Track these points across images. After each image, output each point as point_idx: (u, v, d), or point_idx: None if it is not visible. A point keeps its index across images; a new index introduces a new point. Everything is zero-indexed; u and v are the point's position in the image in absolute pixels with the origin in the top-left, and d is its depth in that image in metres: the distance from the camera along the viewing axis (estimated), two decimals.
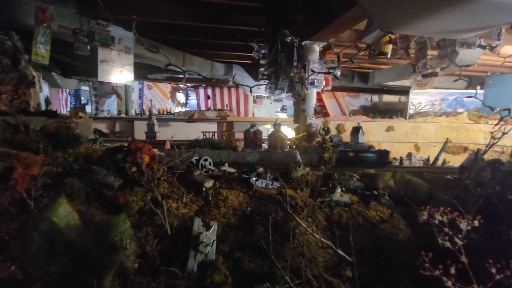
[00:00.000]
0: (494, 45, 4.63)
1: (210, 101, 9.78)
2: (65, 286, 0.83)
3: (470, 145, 7.91)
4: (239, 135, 7.92)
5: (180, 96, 10.92)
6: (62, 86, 9.10)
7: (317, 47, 4.33)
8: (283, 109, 15.22)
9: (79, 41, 4.39)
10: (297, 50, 4.06)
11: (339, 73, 4.41)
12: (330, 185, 1.74)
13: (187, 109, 10.13)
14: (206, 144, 2.48)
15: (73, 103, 11.04)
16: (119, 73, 5.20)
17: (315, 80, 4.21)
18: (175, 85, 10.90)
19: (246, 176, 1.80)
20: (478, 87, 9.16)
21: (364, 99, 12.74)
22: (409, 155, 6.33)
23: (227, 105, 9.44)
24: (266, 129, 9.01)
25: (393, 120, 8.31)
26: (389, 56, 3.43)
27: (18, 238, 1.03)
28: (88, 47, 4.50)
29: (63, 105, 9.96)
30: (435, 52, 4.69)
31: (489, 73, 8.33)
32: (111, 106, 10.58)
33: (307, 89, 4.18)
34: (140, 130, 5.89)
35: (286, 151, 2.51)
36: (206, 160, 1.96)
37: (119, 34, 4.93)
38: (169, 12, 4.28)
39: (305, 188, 1.69)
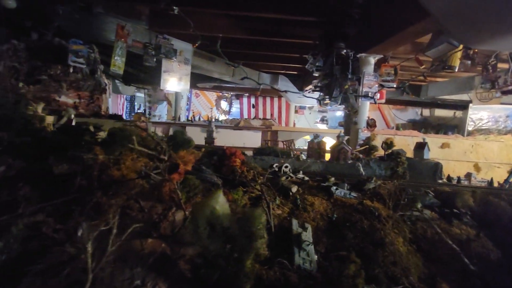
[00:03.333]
0: None
1: (253, 110, 10.06)
2: (213, 262, 1.00)
3: None
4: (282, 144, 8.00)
5: (224, 104, 11.39)
6: (122, 93, 10.11)
7: (373, 60, 4.27)
8: (323, 120, 14.99)
9: (148, 54, 4.90)
10: (352, 63, 4.06)
11: (395, 85, 4.29)
12: (405, 199, 1.72)
13: (231, 117, 10.52)
14: (271, 152, 2.59)
15: (128, 108, 12.14)
16: (178, 82, 5.66)
17: (370, 93, 4.15)
18: (220, 93, 11.41)
19: (325, 184, 1.86)
20: None
21: (413, 113, 12.01)
22: (469, 175, 5.81)
23: (272, 114, 9.63)
24: (304, 140, 8.97)
25: (449, 136, 7.71)
26: (456, 70, 3.27)
27: (185, 224, 1.31)
28: (155, 59, 4.99)
29: (120, 109, 11.01)
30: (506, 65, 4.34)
31: None
32: (161, 111, 11.40)
33: (360, 102, 4.14)
34: (191, 135, 6.25)
35: (349, 163, 2.52)
36: (287, 167, 2.07)
37: (180, 47, 5.40)
38: (229, 27, 4.57)
39: (388, 200, 1.69)
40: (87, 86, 5.46)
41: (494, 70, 4.19)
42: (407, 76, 7.24)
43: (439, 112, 11.18)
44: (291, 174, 2.04)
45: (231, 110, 11.27)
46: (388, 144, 2.60)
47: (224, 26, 4.56)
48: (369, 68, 4.26)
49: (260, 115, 9.94)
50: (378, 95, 4.15)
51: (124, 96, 11.27)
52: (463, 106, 9.48)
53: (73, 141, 1.76)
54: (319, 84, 4.16)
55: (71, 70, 4.92)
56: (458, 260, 1.35)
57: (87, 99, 5.53)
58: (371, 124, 4.56)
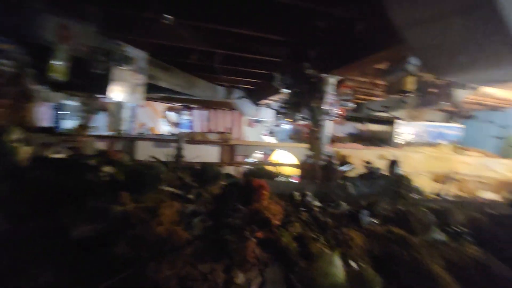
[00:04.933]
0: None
1: (207, 123, 9.74)
2: None
3: (453, 175, 8.47)
4: (239, 158, 7.87)
5: (174, 116, 10.76)
6: (48, 100, 8.65)
7: (333, 80, 4.57)
8: (270, 132, 15.43)
9: (96, 60, 4.29)
10: (315, 82, 4.28)
11: (352, 104, 4.66)
12: (411, 221, 1.79)
13: (182, 130, 9.97)
14: (264, 175, 2.44)
15: (55, 118, 10.46)
16: (130, 92, 5.09)
17: (331, 111, 4.42)
18: (169, 104, 10.77)
19: (348, 212, 1.80)
20: (458, 121, 10.01)
21: (351, 127, 13.34)
22: None
23: (229, 128, 9.45)
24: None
25: (385, 148, 8.76)
26: (409, 94, 3.72)
27: None
28: (105, 66, 4.40)
29: (45, 119, 9.39)
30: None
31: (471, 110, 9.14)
32: (100, 123, 10.14)
33: (324, 119, 4.36)
34: (143, 150, 5.67)
35: (339, 183, 2.56)
36: (309, 195, 1.93)
37: (135, 55, 4.90)
38: (193, 38, 4.35)
39: (417, 227, 1.72)
40: (9, 93, 4.47)
41: (427, 95, 4.94)
42: (362, 96, 8.02)
43: (372, 127, 12.72)
44: (316, 204, 1.95)
45: (181, 122, 10.70)
46: (368, 163, 2.76)
47: (188, 37, 4.32)
48: (330, 88, 4.55)
49: (215, 128, 9.68)
50: (340, 113, 4.44)
51: (50, 104, 9.67)
52: (390, 122, 10.98)
53: (74, 183, 1.27)
54: (288, 102, 4.24)
55: None
56: (496, 284, 1.45)
57: (10, 108, 4.52)
58: (333, 140, 4.84)
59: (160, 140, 6.50)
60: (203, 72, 6.73)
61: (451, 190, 6.47)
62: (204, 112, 9.87)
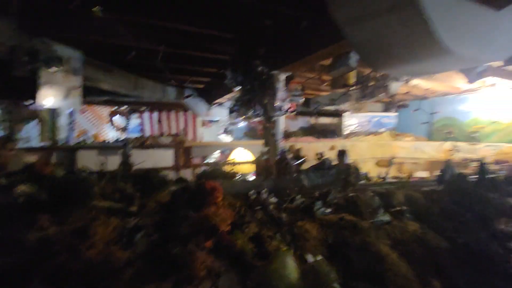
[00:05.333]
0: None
1: (158, 126, 9.21)
2: None
3: (394, 159, 9.44)
4: (196, 161, 7.64)
5: (120, 120, 9.95)
6: None
7: (283, 77, 4.69)
8: (226, 131, 15.30)
9: (18, 61, 3.71)
10: (266, 79, 4.33)
11: (302, 100, 4.84)
12: (360, 206, 1.91)
13: (131, 135, 9.27)
14: (218, 175, 2.35)
15: None
16: (64, 97, 4.54)
17: (283, 106, 4.53)
18: (114, 108, 9.94)
19: (302, 205, 1.81)
20: (393, 110, 11.14)
21: (303, 121, 13.95)
22: None
23: (182, 129, 9.05)
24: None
25: (335, 140, 9.36)
26: (352, 88, 3.99)
27: None
28: (29, 67, 3.83)
29: None
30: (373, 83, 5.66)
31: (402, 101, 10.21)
32: (30, 133, 8.94)
33: (277, 115, 4.45)
34: (86, 161, 5.14)
35: (294, 177, 2.61)
36: (265, 192, 1.89)
37: (67, 54, 4.38)
38: (135, 35, 4.04)
39: (365, 212, 1.81)
40: None
41: (367, 88, 5.37)
42: (310, 91, 8.34)
43: (323, 120, 13.52)
44: (272, 200, 1.93)
45: (129, 126, 9.96)
46: (320, 154, 2.89)
47: (129, 33, 4.00)
48: (281, 84, 4.66)
49: (167, 131, 9.21)
50: (291, 108, 4.57)
51: None
52: (339, 114, 11.79)
53: None
54: (240, 99, 4.22)
55: None
56: (435, 255, 1.61)
57: None
58: (287, 135, 4.97)
59: (105, 148, 5.94)
60: (151, 73, 6.33)
61: (392, 173, 7.16)
62: (155, 115, 9.33)
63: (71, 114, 9.28)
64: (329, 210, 1.93)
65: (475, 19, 2.20)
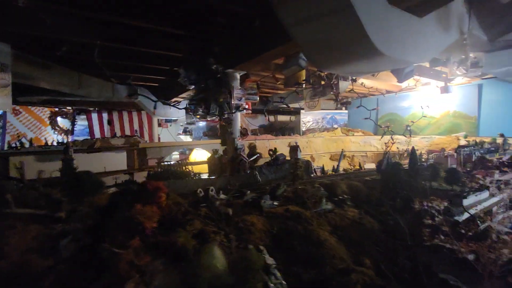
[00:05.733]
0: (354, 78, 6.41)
1: (109, 127, 8.59)
2: None
3: (346, 152, 10.13)
4: (152, 162, 7.31)
5: (64, 122, 9.07)
6: None
7: (238, 75, 4.73)
8: (185, 131, 14.89)
9: None
10: (222, 77, 4.33)
11: (257, 98, 4.94)
12: (316, 197, 2.02)
13: (76, 138, 8.50)
14: (170, 175, 2.28)
15: None
16: None
17: (240, 105, 4.58)
18: (56, 109, 9.03)
19: (251, 199, 1.84)
20: (343, 108, 11.93)
21: (262, 119, 14.20)
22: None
23: (136, 130, 8.54)
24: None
25: (292, 137, 9.71)
26: (304, 86, 4.18)
27: None
28: None
29: None
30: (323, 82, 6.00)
31: (350, 98, 10.97)
32: None
33: (233, 113, 4.47)
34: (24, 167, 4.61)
35: (248, 173, 2.65)
36: (212, 190, 1.86)
37: None
38: (78, 30, 3.73)
39: (309, 202, 1.90)
40: None
41: (318, 87, 5.68)
42: (267, 90, 8.49)
43: (281, 118, 13.93)
44: (222, 197, 1.93)
45: (74, 129, 9.13)
46: (273, 151, 2.98)
47: (70, 28, 3.68)
48: (236, 83, 4.69)
49: (118, 132, 8.64)
50: (246, 106, 4.63)
51: None
52: (297, 112, 12.26)
53: None
54: (195, 98, 4.15)
55: None
56: (368, 237, 1.77)
57: None
58: (243, 133, 5.02)
59: (44, 153, 5.36)
60: (98, 70, 5.88)
61: (343, 165, 7.66)
62: (105, 115, 8.69)
63: (2, 116, 8.22)
64: (276, 202, 2.03)
65: (402, 25, 2.49)
